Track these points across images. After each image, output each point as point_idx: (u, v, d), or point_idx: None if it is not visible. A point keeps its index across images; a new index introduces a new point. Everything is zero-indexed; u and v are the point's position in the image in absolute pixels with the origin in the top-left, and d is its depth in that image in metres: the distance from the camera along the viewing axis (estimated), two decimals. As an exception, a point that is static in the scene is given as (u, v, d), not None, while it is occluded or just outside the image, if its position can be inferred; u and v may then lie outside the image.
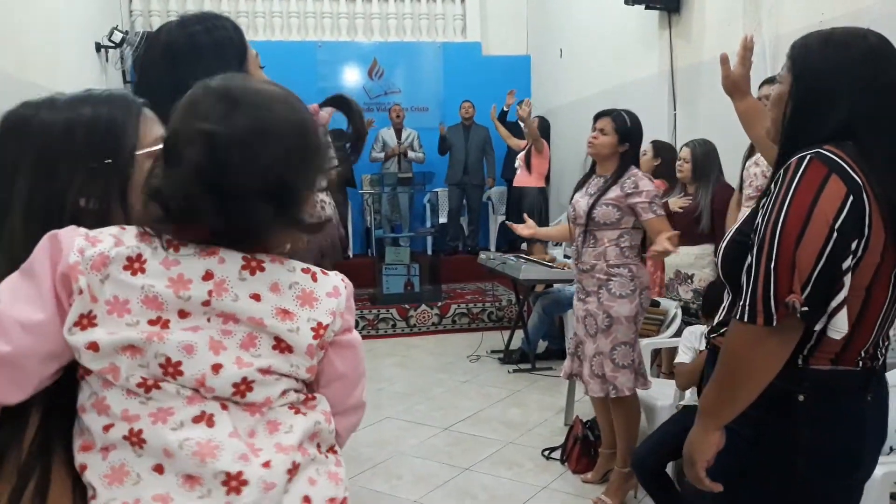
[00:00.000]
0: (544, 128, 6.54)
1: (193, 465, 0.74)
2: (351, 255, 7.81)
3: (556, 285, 5.07)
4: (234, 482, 0.75)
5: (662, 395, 3.11)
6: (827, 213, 1.20)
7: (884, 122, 1.28)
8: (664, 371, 4.09)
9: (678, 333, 3.61)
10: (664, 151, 4.51)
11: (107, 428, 0.75)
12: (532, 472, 3.41)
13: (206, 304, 0.78)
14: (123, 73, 6.58)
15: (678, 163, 4.05)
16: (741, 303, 1.28)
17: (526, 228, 3.47)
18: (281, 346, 0.81)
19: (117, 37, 6.21)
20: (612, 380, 2.93)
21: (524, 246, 6.83)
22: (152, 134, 0.91)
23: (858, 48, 1.29)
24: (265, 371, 0.79)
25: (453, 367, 5.23)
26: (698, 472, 1.36)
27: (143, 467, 0.74)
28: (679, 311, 3.71)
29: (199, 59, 1.21)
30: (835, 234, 1.20)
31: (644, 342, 3.43)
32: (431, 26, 8.65)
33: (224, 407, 0.78)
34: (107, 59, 6.38)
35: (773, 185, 1.30)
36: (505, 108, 7.50)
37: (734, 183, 3.80)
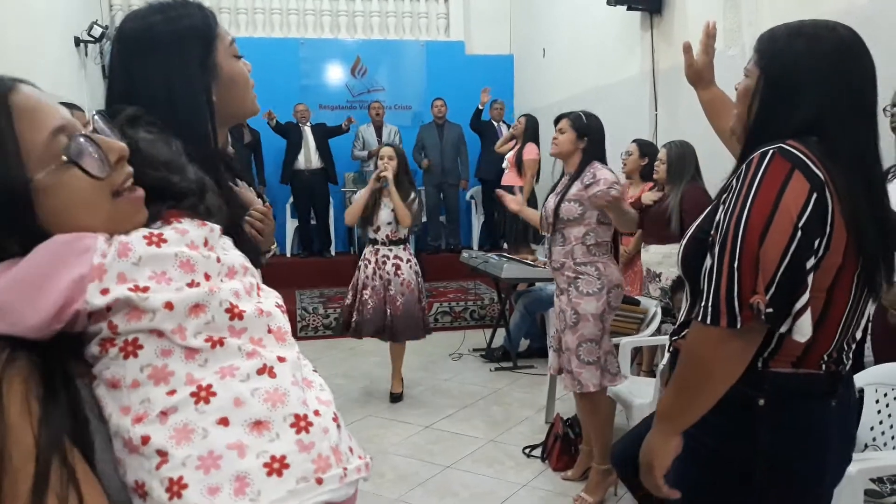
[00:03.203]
0: (533, 126, 6.45)
1: (265, 410, 0.78)
2: (333, 253, 7.80)
3: (537, 284, 5.09)
4: (302, 422, 0.80)
5: (641, 393, 3.14)
6: (791, 210, 1.15)
7: (851, 119, 1.23)
8: (644, 369, 4.13)
9: (658, 332, 3.64)
10: (648, 150, 4.58)
11: (171, 393, 0.76)
12: (513, 469, 3.42)
13: (219, 261, 0.83)
14: (103, 68, 6.50)
15: (656, 163, 4.12)
16: (702, 304, 1.22)
17: (514, 202, 3.58)
18: (255, 288, 0.88)
19: (97, 31, 6.14)
20: (577, 375, 2.98)
21: (506, 245, 6.86)
22: (41, 129, 0.75)
23: (829, 41, 1.24)
24: (279, 307, 0.89)
25: (435, 365, 5.23)
26: (656, 479, 1.31)
27: (208, 422, 0.75)
28: (659, 311, 3.75)
29: (152, 51, 1.12)
30: (799, 233, 1.15)
31: (624, 340, 3.46)
32: (415, 25, 8.65)
33: (281, 360, 0.82)
34: (86, 54, 6.31)
35: (734, 181, 1.24)
36: (480, 107, 7.47)
37: (712, 184, 3.83)
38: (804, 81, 1.23)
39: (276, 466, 0.76)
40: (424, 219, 7.88)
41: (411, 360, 5.37)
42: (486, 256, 5.30)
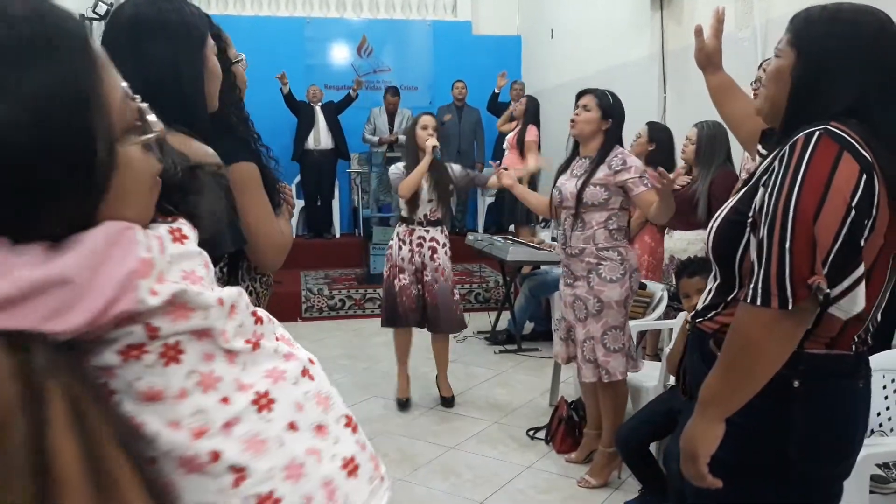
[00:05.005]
0: (534, 107, 6.45)
1: (320, 413, 0.75)
2: (338, 234, 7.80)
3: (542, 267, 5.08)
4: (352, 423, 0.78)
5: (647, 377, 3.14)
6: (844, 191, 1.15)
7: (892, 101, 1.24)
8: (649, 353, 4.13)
9: (664, 316, 3.63)
10: (659, 134, 4.42)
11: (224, 401, 0.67)
12: (517, 451, 3.43)
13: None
14: (108, 46, 6.48)
15: (684, 142, 3.94)
16: (752, 285, 1.21)
17: (507, 177, 3.44)
18: None
19: (101, 8, 6.11)
20: (604, 364, 2.91)
21: (512, 228, 6.85)
22: (117, 88, 0.63)
23: (868, 25, 1.25)
24: None
25: (440, 347, 5.23)
26: (700, 468, 1.28)
27: (278, 429, 0.70)
28: (665, 294, 3.73)
29: (164, 35, 1.22)
30: (853, 212, 1.15)
31: (630, 324, 3.45)
32: (421, 4, 8.58)
33: (311, 362, 0.79)
34: (91, 32, 6.28)
35: (776, 162, 1.23)
36: (496, 90, 7.47)
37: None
38: (847, 64, 1.23)
39: (351, 468, 0.75)
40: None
41: (415, 341, 5.38)
42: (491, 239, 5.28)
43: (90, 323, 0.57)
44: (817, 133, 1.19)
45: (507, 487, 3.06)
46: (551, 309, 4.99)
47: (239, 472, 0.66)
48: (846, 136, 1.19)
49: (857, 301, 1.19)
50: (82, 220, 0.59)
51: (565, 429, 3.39)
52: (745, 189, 1.35)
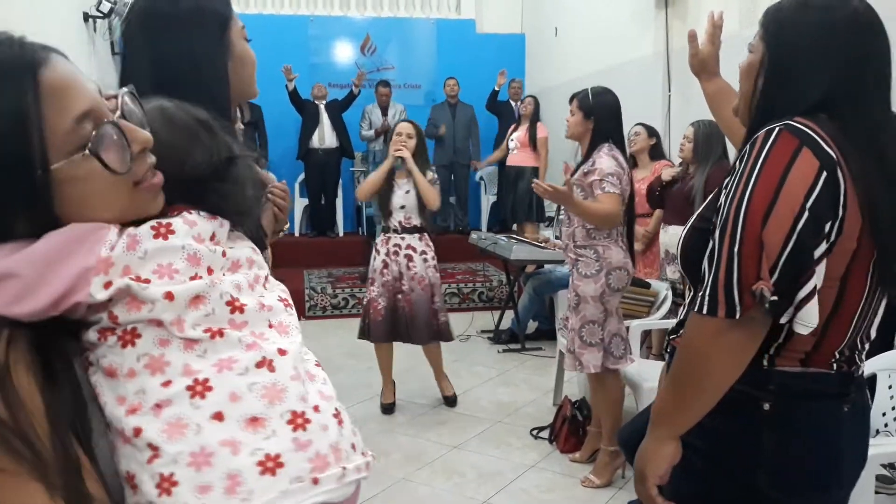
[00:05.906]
0: (536, 106, 6.52)
1: (261, 406, 0.76)
2: (341, 233, 7.80)
3: (546, 266, 5.07)
4: (299, 419, 0.78)
5: (651, 376, 3.12)
6: (797, 191, 1.05)
7: (865, 97, 1.14)
8: (654, 352, 4.12)
9: (668, 315, 3.62)
10: (653, 131, 4.64)
11: (166, 384, 0.74)
12: (520, 450, 3.42)
13: (224, 255, 0.83)
14: (112, 44, 6.46)
15: (681, 141, 4.06)
16: (701, 293, 1.12)
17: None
18: (260, 281, 0.88)
19: (105, 6, 6.09)
20: (579, 356, 2.99)
21: (515, 226, 6.85)
22: (67, 113, 0.72)
23: (841, 13, 1.14)
24: (282, 300, 0.88)
25: (443, 346, 5.22)
26: (649, 490, 1.19)
27: (202, 417, 0.74)
28: (669, 294, 3.72)
29: (178, 26, 1.15)
30: (806, 214, 1.05)
31: (634, 323, 3.44)
32: (425, 2, 8.57)
33: (282, 353, 0.81)
34: (94, 30, 6.27)
35: (738, 163, 1.14)
36: (496, 88, 7.46)
37: None
38: (815, 56, 1.14)
39: (270, 465, 0.74)
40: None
41: (419, 340, 5.38)
42: (495, 238, 5.27)
43: (46, 309, 0.70)
44: (777, 128, 1.10)
45: (511, 487, 3.06)
46: (555, 308, 4.98)
47: (154, 450, 0.72)
48: (810, 131, 1.09)
49: (810, 319, 1.08)
50: (42, 224, 0.71)
51: (569, 428, 3.39)
52: (712, 194, 1.27)
